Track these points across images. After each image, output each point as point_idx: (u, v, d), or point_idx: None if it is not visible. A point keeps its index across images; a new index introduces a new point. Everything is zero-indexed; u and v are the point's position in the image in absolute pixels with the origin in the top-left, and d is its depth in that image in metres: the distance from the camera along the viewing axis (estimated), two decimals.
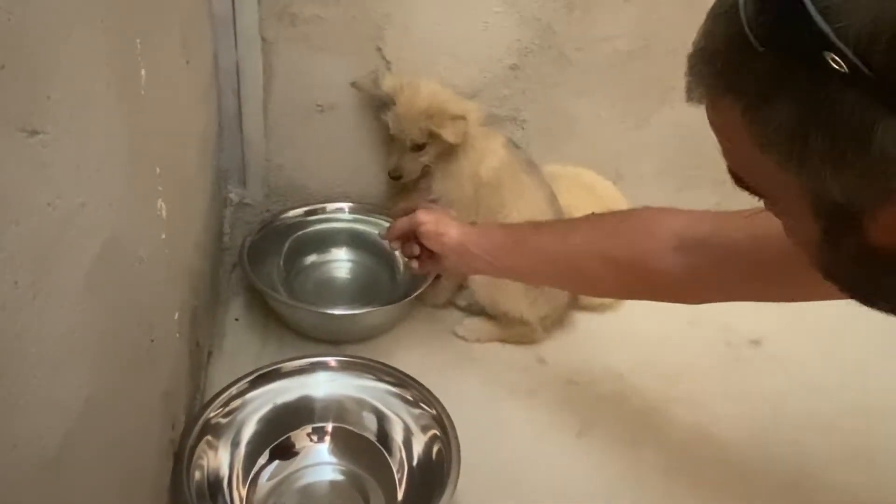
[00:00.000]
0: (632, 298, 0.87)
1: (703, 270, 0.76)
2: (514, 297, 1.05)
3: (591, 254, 0.83)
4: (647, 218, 0.82)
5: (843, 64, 0.38)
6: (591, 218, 0.90)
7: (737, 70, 0.43)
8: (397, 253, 1.15)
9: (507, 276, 0.95)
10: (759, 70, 0.42)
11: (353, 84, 1.10)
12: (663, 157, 1.24)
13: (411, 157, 1.06)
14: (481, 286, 1.07)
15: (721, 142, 0.49)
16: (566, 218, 0.94)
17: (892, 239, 0.43)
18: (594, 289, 0.95)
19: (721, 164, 1.14)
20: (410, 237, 0.94)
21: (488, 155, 1.07)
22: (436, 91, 1.05)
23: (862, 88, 0.38)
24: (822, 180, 0.42)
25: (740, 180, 0.50)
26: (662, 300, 0.84)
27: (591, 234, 0.84)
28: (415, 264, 0.97)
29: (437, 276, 1.08)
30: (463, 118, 1.03)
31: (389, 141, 1.08)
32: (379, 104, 1.07)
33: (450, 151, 1.05)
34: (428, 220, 0.92)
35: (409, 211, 0.95)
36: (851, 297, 0.51)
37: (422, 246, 0.93)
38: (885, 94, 0.38)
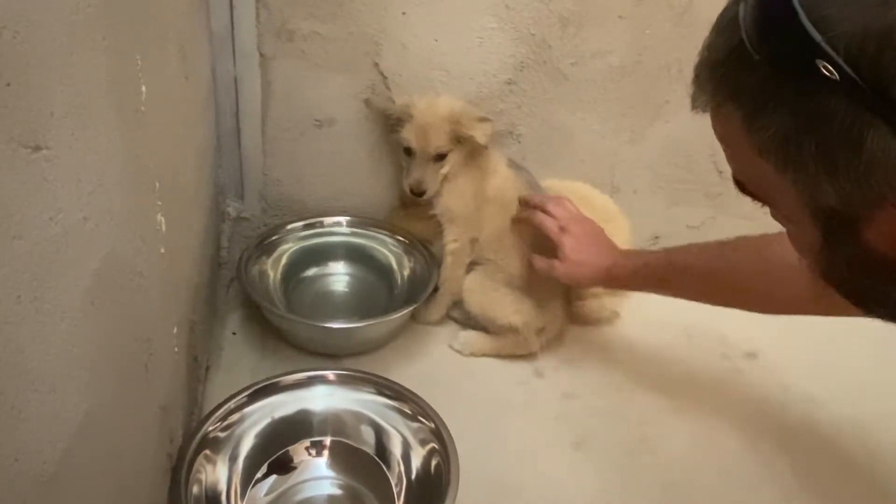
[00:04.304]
0: (767, 313, 0.91)
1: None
2: (500, 304, 1.06)
3: (733, 283, 0.89)
4: (780, 246, 0.83)
5: (834, 72, 0.39)
6: (725, 246, 0.90)
7: (736, 79, 0.45)
8: (396, 266, 1.17)
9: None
10: (756, 79, 0.44)
11: (366, 102, 1.09)
12: (658, 170, 1.25)
13: (433, 170, 1.05)
14: (471, 294, 1.08)
15: (724, 150, 0.50)
16: (697, 247, 0.94)
17: (887, 244, 0.44)
18: (735, 305, 0.95)
19: (714, 178, 1.17)
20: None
21: (492, 173, 1.08)
22: (451, 100, 1.06)
23: (853, 96, 0.39)
24: (818, 185, 0.43)
25: (744, 187, 0.51)
26: (796, 314, 0.86)
27: (731, 265, 0.89)
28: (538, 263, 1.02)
29: (434, 291, 1.09)
30: (489, 120, 1.05)
31: (405, 158, 1.07)
32: (391, 122, 1.07)
33: (461, 164, 1.06)
34: (563, 266, 0.99)
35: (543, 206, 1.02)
36: (850, 302, 0.51)
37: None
38: (875, 102, 0.39)
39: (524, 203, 1.06)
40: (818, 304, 0.79)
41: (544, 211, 1.02)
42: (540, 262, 1.02)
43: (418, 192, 1.06)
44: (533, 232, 1.04)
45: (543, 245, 1.03)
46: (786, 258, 0.82)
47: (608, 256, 0.99)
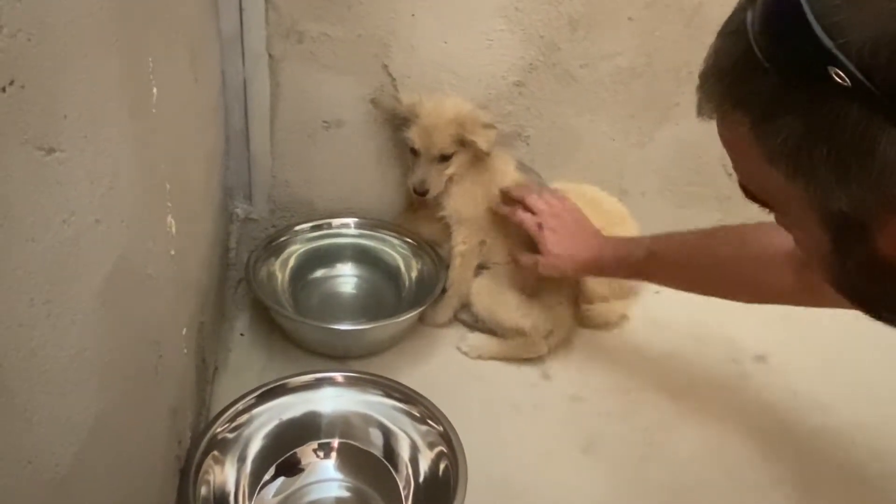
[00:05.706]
0: (754, 303, 0.93)
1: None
2: (508, 307, 1.06)
3: (714, 271, 0.90)
4: (763, 236, 0.84)
5: (846, 78, 0.39)
6: (706, 235, 0.92)
7: (745, 86, 0.45)
8: (404, 268, 1.17)
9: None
10: (766, 86, 0.43)
11: (372, 101, 1.09)
12: (666, 173, 1.24)
13: (437, 170, 1.05)
14: (479, 296, 1.08)
15: (731, 156, 0.50)
16: (679, 236, 0.95)
17: None
18: (719, 294, 0.96)
19: (723, 181, 1.17)
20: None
21: (501, 175, 1.08)
22: (460, 102, 1.06)
23: (864, 102, 0.39)
24: (829, 192, 0.43)
25: (751, 194, 0.51)
26: (784, 304, 0.87)
27: (713, 253, 0.90)
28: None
29: (442, 293, 1.09)
30: (493, 127, 1.04)
31: (411, 157, 1.07)
32: (398, 121, 1.07)
33: (468, 166, 1.06)
34: (545, 260, 1.00)
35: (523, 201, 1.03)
36: (860, 309, 0.51)
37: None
38: (887, 108, 0.38)
39: (505, 196, 1.06)
40: (806, 295, 0.80)
41: (524, 206, 1.03)
42: (525, 258, 1.04)
43: (421, 192, 1.06)
44: (516, 227, 1.05)
45: (528, 238, 1.04)
46: (769, 246, 0.82)
47: (590, 247, 1.00)
